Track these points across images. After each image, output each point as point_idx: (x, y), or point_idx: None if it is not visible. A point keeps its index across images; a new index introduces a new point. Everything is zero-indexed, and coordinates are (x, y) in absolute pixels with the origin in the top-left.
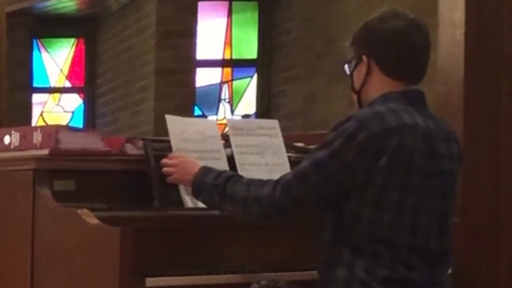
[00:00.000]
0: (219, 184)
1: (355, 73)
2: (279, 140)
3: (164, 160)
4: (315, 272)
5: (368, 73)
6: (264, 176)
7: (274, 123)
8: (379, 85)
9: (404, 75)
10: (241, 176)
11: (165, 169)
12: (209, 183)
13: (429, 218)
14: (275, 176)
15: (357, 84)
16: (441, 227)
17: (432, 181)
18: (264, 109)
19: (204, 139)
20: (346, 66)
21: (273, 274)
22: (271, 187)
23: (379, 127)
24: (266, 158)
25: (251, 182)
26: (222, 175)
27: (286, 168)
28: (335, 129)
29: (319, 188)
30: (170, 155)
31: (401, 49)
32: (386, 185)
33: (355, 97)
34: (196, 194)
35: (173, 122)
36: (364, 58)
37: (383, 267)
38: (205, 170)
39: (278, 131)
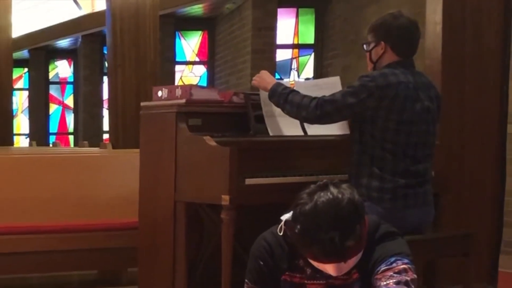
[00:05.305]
0: (285, 93)
1: (373, 51)
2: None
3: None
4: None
5: (384, 52)
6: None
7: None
8: (389, 59)
9: (405, 53)
10: (299, 92)
11: (254, 78)
12: (279, 92)
13: (417, 137)
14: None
15: (374, 58)
16: (425, 142)
17: (419, 115)
18: (318, 75)
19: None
20: (365, 45)
21: (324, 176)
22: (314, 102)
23: (383, 81)
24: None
25: (304, 96)
26: (288, 89)
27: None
28: (359, 79)
29: (341, 111)
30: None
31: (407, 39)
32: (387, 119)
33: (371, 65)
34: (270, 98)
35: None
36: (382, 43)
37: (389, 164)
38: (278, 83)
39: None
